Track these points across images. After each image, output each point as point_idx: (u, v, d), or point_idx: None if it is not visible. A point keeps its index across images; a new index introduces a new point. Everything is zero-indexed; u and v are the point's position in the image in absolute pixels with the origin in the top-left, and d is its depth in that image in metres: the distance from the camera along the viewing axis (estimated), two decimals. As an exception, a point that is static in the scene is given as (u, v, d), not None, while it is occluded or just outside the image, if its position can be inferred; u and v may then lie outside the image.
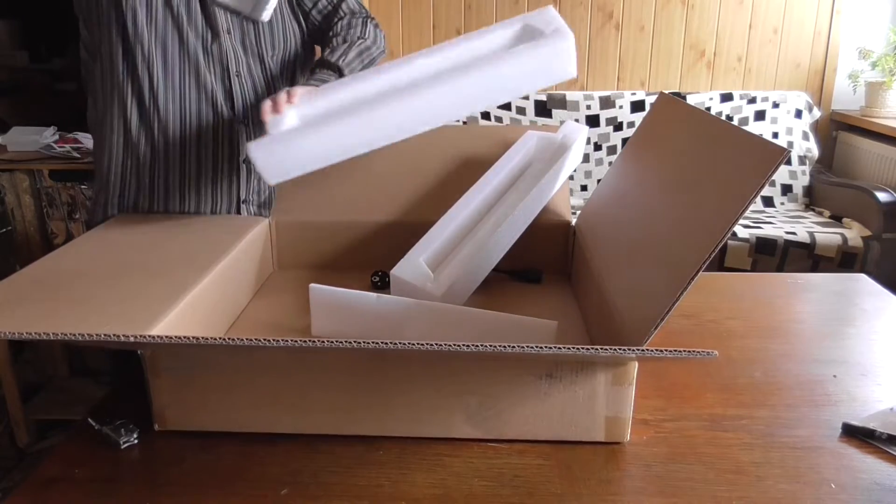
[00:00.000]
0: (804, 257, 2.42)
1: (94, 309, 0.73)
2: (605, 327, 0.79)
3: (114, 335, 0.60)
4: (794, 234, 2.43)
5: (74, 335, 0.60)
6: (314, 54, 1.22)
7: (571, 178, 2.99)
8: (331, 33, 1.17)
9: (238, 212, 1.16)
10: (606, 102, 2.93)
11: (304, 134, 0.94)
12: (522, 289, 1.07)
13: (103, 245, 0.95)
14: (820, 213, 2.72)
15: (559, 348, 0.60)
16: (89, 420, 0.74)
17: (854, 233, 2.44)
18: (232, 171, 1.13)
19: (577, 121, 2.95)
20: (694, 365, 0.87)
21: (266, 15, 1.06)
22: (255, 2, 1.06)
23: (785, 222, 2.59)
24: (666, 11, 2.96)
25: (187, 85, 1.07)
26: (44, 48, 3.08)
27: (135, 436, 0.72)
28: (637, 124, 1.49)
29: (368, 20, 1.20)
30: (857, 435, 0.73)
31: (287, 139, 0.94)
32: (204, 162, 1.11)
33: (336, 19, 1.19)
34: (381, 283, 1.05)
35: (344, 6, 1.20)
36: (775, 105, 2.89)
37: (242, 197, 1.15)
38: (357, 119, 0.93)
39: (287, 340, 0.60)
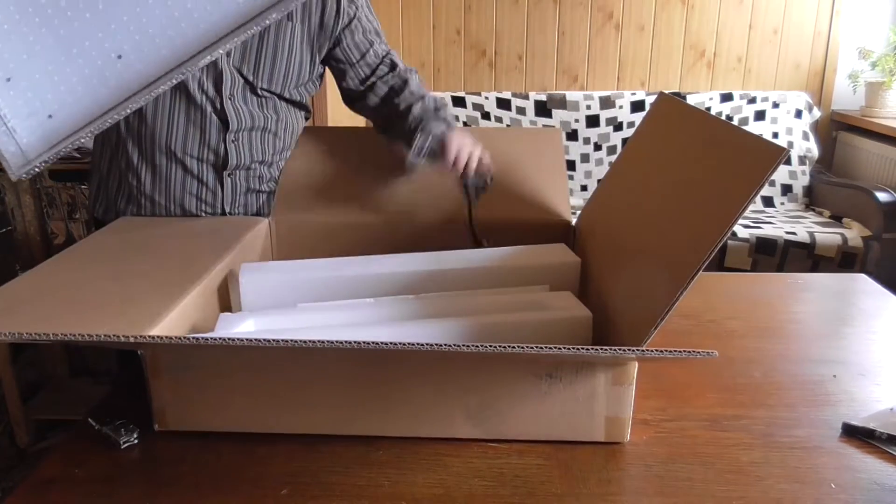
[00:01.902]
0: (804, 257, 2.42)
1: (94, 310, 0.73)
2: (604, 327, 0.79)
3: (113, 335, 0.60)
4: (794, 234, 2.43)
5: (74, 335, 0.60)
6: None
7: (571, 178, 3.00)
8: (405, 104, 1.13)
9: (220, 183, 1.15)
10: (606, 102, 2.93)
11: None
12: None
13: (104, 248, 0.95)
14: (820, 213, 2.72)
15: (559, 348, 0.60)
16: (89, 420, 0.74)
17: (854, 233, 2.44)
18: (216, 184, 1.12)
19: (576, 121, 2.95)
20: (694, 365, 0.87)
21: (25, 175, 0.92)
22: (25, 161, 0.92)
23: (785, 222, 2.59)
24: (666, 11, 2.96)
25: (177, 99, 1.06)
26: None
27: (135, 436, 0.72)
28: (637, 124, 1.49)
29: (416, 74, 1.18)
30: (857, 435, 0.73)
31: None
32: (188, 175, 1.10)
33: (394, 85, 1.16)
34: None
35: (389, 61, 1.17)
36: (775, 105, 2.90)
37: (227, 210, 1.15)
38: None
39: (287, 340, 0.60)
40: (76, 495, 0.64)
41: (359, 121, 1.26)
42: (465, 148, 1.06)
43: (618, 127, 2.94)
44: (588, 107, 2.94)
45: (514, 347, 0.59)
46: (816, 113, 2.93)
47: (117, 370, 1.18)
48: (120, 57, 0.92)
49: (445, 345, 0.58)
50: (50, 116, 0.92)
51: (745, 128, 1.04)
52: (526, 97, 2.96)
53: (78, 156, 1.98)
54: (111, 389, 0.83)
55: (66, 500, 0.64)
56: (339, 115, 2.13)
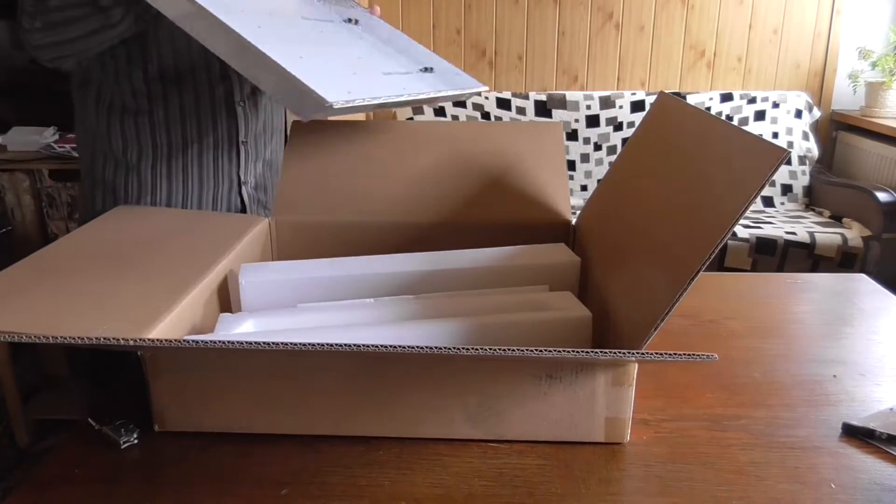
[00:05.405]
0: (804, 257, 2.42)
1: (93, 309, 0.73)
2: (604, 327, 0.79)
3: (113, 338, 0.60)
4: (794, 234, 2.43)
5: (73, 338, 0.59)
6: None
7: (571, 178, 3.00)
8: None
9: (240, 193, 1.24)
10: (606, 102, 2.93)
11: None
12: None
13: (102, 240, 0.95)
14: (820, 213, 2.73)
15: (559, 351, 0.60)
16: (89, 420, 0.74)
17: (854, 233, 2.44)
18: (231, 150, 1.20)
19: (576, 121, 2.95)
20: (694, 365, 0.87)
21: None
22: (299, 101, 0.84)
23: (785, 222, 2.59)
24: (666, 11, 2.96)
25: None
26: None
27: (135, 436, 0.72)
28: (637, 124, 1.48)
29: None
30: (857, 435, 0.73)
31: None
32: (205, 147, 1.17)
33: None
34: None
35: None
36: (775, 105, 2.90)
37: (242, 179, 1.23)
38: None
39: (286, 344, 0.60)
40: (76, 495, 0.64)
41: (357, 115, 1.27)
42: None
43: (618, 127, 2.94)
44: (588, 107, 2.94)
45: (513, 351, 0.59)
46: (816, 113, 2.93)
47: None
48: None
49: (445, 347, 0.58)
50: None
51: (745, 128, 1.04)
52: (526, 97, 2.96)
53: (78, 156, 1.99)
54: (111, 389, 0.83)
55: (66, 500, 0.64)
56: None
